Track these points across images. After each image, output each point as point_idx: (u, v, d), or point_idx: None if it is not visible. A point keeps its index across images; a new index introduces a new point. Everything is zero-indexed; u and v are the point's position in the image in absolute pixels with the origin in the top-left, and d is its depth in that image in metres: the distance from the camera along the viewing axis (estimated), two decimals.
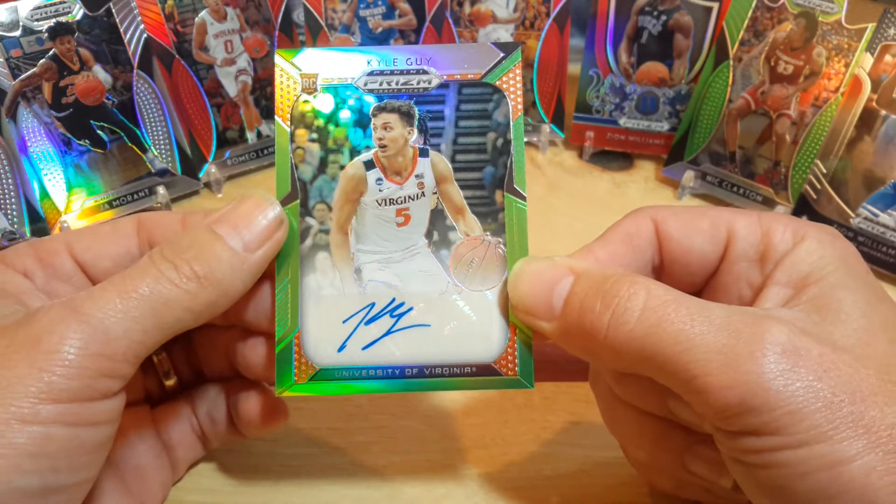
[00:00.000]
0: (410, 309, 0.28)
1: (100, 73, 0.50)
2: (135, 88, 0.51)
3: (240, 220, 0.26)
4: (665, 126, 0.57)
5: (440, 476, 0.34)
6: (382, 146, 0.28)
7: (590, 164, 0.58)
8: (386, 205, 0.28)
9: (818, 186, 0.49)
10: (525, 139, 0.59)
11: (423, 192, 0.28)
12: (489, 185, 0.28)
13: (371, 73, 0.28)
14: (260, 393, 0.31)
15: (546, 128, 0.58)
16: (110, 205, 0.51)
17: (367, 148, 0.28)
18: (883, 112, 0.47)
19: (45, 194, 0.49)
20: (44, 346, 0.22)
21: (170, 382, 0.32)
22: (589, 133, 0.58)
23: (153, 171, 0.52)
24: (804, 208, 0.49)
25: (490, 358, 0.27)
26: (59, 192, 0.50)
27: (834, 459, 0.21)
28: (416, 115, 0.28)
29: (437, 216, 0.28)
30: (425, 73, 0.28)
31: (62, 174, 0.50)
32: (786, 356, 0.22)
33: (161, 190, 0.52)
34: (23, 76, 0.48)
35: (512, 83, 0.28)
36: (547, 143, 0.59)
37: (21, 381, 0.22)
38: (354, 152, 0.28)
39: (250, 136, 0.56)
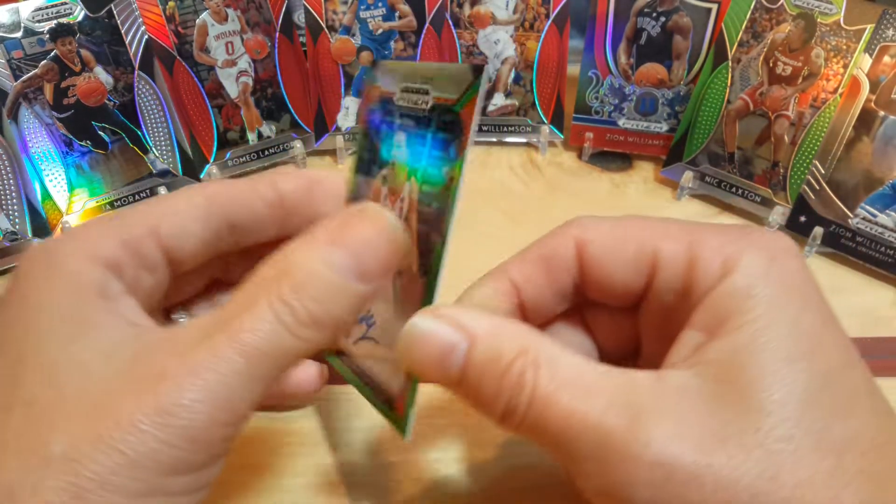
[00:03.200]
0: (373, 322, 0.27)
1: (101, 75, 0.50)
2: (136, 89, 0.51)
3: (360, 247, 0.22)
4: (664, 127, 0.57)
5: (440, 475, 0.34)
6: (394, 164, 0.27)
7: (589, 164, 0.58)
8: None
9: (816, 187, 0.49)
10: (524, 139, 0.59)
11: (400, 217, 0.26)
12: (432, 222, 0.25)
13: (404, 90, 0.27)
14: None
15: (545, 129, 0.58)
16: (112, 206, 0.51)
17: (385, 163, 0.27)
18: (881, 113, 0.47)
19: (46, 195, 0.49)
20: (172, 419, 0.20)
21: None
22: (588, 134, 0.58)
23: (154, 171, 0.52)
24: (802, 208, 0.50)
25: (397, 390, 0.26)
26: (60, 192, 0.50)
27: None
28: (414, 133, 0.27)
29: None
30: (426, 93, 0.26)
31: (63, 175, 0.50)
32: (654, 470, 0.20)
33: (162, 191, 0.52)
34: (24, 77, 0.48)
35: (470, 115, 0.25)
36: (546, 143, 0.59)
37: (153, 455, 0.19)
38: (382, 164, 0.28)
39: (251, 137, 0.56)
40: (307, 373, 0.30)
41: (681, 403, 0.20)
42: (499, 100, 0.59)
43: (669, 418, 0.20)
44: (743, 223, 0.53)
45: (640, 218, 0.26)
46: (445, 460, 0.35)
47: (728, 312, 0.22)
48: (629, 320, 0.28)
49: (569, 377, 0.21)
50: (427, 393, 0.38)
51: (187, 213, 0.26)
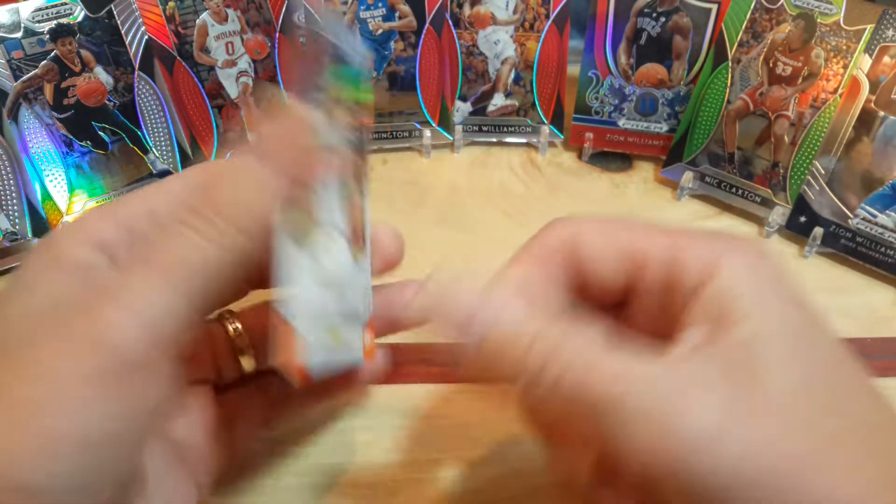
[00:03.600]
0: None
1: (101, 75, 0.50)
2: (136, 90, 0.51)
3: (266, 136, 0.23)
4: (664, 127, 0.57)
5: (440, 475, 0.34)
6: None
7: (589, 164, 0.58)
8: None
9: (816, 187, 0.49)
10: (524, 140, 0.59)
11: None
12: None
13: None
14: None
15: (545, 129, 0.58)
16: None
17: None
18: (881, 113, 0.47)
19: (46, 195, 0.49)
20: (102, 348, 0.20)
21: (247, 364, 0.30)
22: (588, 134, 0.58)
23: (154, 172, 0.52)
24: (802, 209, 0.50)
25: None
26: (60, 193, 0.50)
27: None
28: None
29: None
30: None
31: (63, 175, 0.50)
32: (717, 428, 0.20)
33: None
34: (24, 77, 0.48)
35: None
36: (546, 144, 0.59)
37: (86, 405, 0.20)
38: None
39: (251, 137, 0.56)
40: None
41: (713, 375, 0.21)
42: (499, 100, 0.59)
43: (710, 395, 0.21)
44: (742, 223, 0.53)
45: (624, 219, 0.27)
46: (445, 460, 0.35)
47: (720, 313, 0.22)
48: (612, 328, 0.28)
49: (605, 351, 0.22)
50: (428, 395, 0.38)
51: (180, 193, 0.26)
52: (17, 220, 0.48)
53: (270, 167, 0.22)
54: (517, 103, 0.59)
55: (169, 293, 0.21)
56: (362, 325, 0.27)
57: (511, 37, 0.57)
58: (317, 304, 0.25)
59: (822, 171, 0.49)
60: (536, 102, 0.58)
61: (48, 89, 0.49)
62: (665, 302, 0.25)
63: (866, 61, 0.47)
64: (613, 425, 0.21)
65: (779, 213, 0.51)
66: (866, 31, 0.47)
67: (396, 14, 0.56)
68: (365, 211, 0.29)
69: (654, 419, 0.20)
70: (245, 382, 0.31)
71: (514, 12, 0.56)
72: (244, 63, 0.55)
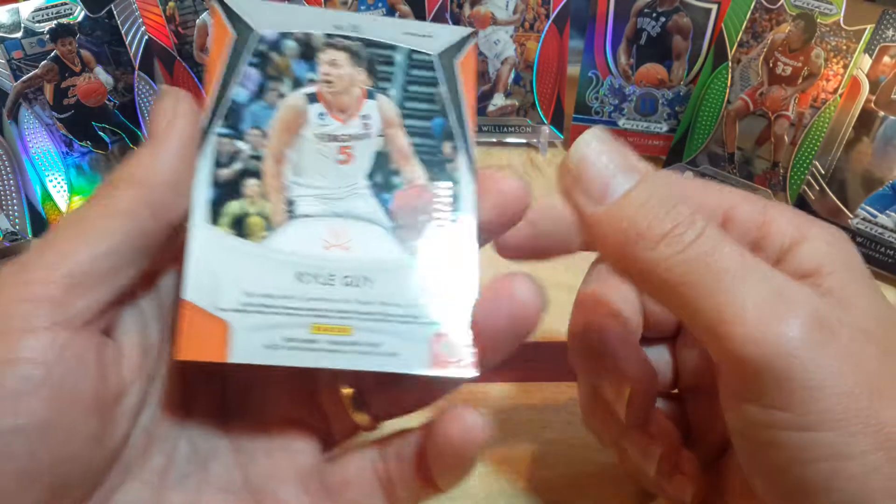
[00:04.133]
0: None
1: (101, 75, 0.50)
2: (136, 90, 0.51)
3: (152, 124, 0.24)
4: (664, 127, 0.57)
5: None
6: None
7: None
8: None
9: (816, 187, 0.49)
10: (524, 140, 0.59)
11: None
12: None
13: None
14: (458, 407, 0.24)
15: (545, 129, 0.58)
16: None
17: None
18: (881, 113, 0.47)
19: (46, 195, 0.49)
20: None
21: (361, 420, 0.26)
22: None
23: None
24: (802, 209, 0.50)
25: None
26: (60, 193, 0.50)
27: (837, 452, 0.20)
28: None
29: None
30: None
31: (64, 175, 0.50)
32: (820, 331, 0.21)
33: None
34: (24, 77, 0.48)
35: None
36: (546, 144, 0.59)
37: None
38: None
39: None
40: (464, 423, 0.24)
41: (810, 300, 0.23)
42: (499, 100, 0.59)
43: (824, 299, 0.22)
44: None
45: (713, 183, 0.29)
46: None
47: (816, 266, 0.24)
48: None
49: (733, 239, 0.23)
50: None
51: None
52: (17, 221, 0.48)
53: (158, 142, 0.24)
54: (517, 103, 0.59)
55: (83, 249, 0.21)
56: (433, 332, 0.24)
57: (511, 37, 0.57)
58: (261, 290, 0.24)
59: (822, 171, 0.49)
60: (536, 102, 0.58)
61: (48, 89, 0.49)
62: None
63: (866, 61, 0.47)
64: (727, 304, 0.21)
65: (785, 205, 0.51)
66: (866, 31, 0.47)
67: (396, 14, 0.56)
68: (459, 200, 0.26)
69: (766, 311, 0.21)
70: (361, 445, 0.26)
71: (514, 12, 0.56)
72: None
